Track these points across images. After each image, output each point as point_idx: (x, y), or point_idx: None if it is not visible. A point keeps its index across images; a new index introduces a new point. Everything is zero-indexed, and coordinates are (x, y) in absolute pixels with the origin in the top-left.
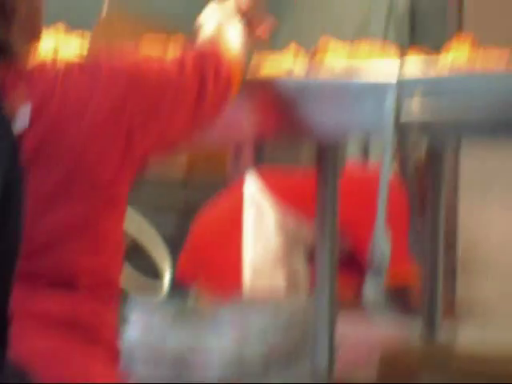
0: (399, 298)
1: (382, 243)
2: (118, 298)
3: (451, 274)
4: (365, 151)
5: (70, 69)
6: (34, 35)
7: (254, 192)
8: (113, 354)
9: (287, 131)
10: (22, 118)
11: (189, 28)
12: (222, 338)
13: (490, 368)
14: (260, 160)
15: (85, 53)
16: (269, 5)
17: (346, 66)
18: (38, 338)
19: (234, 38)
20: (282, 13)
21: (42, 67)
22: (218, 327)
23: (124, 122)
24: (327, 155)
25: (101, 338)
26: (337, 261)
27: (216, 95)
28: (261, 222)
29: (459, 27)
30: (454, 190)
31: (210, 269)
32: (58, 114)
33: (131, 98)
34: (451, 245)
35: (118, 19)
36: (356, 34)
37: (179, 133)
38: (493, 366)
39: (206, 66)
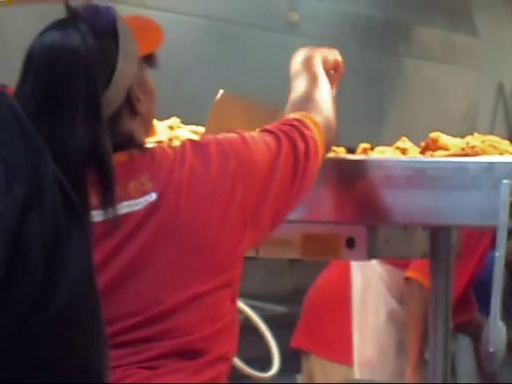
0: None
1: (496, 328)
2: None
3: None
4: None
5: (184, 153)
6: (149, 129)
7: None
8: None
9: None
10: (145, 203)
11: None
12: None
13: None
14: None
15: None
16: (375, 97)
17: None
18: None
19: (326, 97)
20: (388, 104)
21: (161, 152)
22: None
23: (237, 200)
24: (440, 242)
25: None
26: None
27: (307, 171)
28: (369, 284)
29: None
30: None
31: (322, 335)
32: (177, 199)
33: (241, 176)
34: None
35: (231, 100)
36: (464, 118)
37: (285, 208)
38: None
39: (297, 140)
